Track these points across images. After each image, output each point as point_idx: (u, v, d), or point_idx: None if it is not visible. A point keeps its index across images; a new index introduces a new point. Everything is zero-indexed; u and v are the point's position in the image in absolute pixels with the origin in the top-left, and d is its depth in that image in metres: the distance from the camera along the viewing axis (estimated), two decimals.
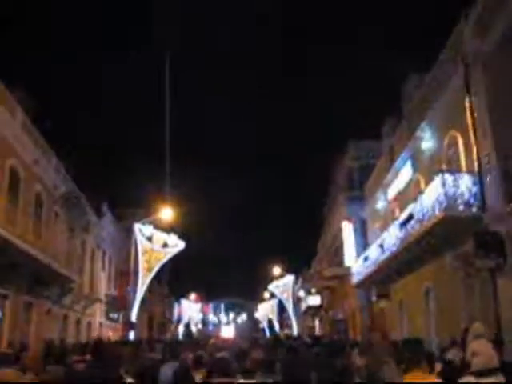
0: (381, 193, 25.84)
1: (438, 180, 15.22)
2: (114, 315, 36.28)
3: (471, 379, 5.79)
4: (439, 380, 6.31)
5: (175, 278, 76.98)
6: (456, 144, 16.47)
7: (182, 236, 33.40)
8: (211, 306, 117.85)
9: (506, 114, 13.64)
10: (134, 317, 31.23)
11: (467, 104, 15.03)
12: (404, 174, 21.85)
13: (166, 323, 73.23)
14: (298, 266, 62.34)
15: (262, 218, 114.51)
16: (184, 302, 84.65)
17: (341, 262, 34.23)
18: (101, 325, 33.19)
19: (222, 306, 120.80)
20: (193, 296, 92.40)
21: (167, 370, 8.13)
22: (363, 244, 30.54)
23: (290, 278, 55.56)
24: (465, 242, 14.80)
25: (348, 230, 31.81)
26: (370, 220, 29.67)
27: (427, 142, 18.86)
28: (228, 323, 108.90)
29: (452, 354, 10.35)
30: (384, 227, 23.75)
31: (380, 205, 26.27)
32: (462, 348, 9.96)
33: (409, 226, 18.22)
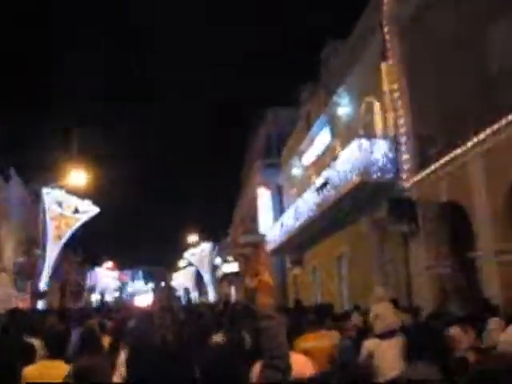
0: (297, 159, 25.72)
1: (354, 145, 15.13)
2: (23, 284, 34.82)
3: (375, 341, 6.16)
4: (328, 342, 6.72)
5: (90, 246, 75.18)
6: (372, 110, 16.43)
7: (95, 201, 32.23)
8: (129, 274, 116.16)
9: (421, 80, 13.63)
10: (42, 286, 30.01)
11: (383, 69, 14.96)
12: (321, 140, 21.74)
13: (80, 292, 71.44)
14: (215, 234, 62.13)
15: (179, 185, 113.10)
16: (98, 269, 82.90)
17: (257, 230, 34.16)
18: (9, 295, 31.67)
19: (140, 274, 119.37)
20: (109, 264, 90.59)
21: (74, 336, 7.88)
22: (279, 211, 30.52)
23: (206, 246, 55.25)
24: (380, 208, 14.84)
25: (264, 197, 31.69)
26: (286, 186, 29.62)
27: (344, 107, 18.76)
28: (146, 291, 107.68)
29: (354, 319, 10.44)
30: (300, 194, 23.70)
31: (296, 171, 26.17)
32: None
33: (324, 192, 18.15)
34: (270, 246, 28.37)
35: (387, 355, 5.86)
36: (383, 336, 6.07)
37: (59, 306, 37.89)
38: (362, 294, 16.34)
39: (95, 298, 77.40)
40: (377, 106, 16.03)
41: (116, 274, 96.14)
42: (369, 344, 6.22)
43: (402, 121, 14.42)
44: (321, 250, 22.08)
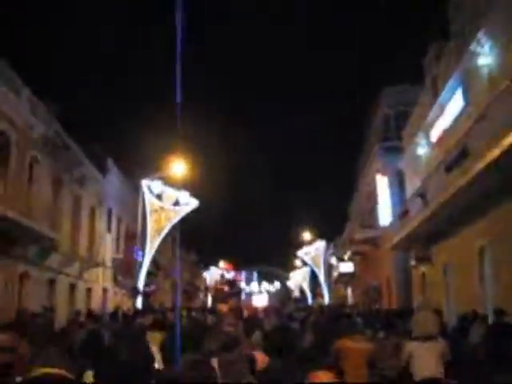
0: (422, 136, 21.56)
1: (505, 93, 11.02)
2: (125, 281, 33.10)
3: (416, 343, 7.14)
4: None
5: (204, 246, 74.00)
6: None
7: (197, 195, 29.64)
8: (243, 274, 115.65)
9: None
10: (141, 283, 27.84)
11: None
12: (452, 107, 17.53)
13: (193, 291, 70.64)
14: (330, 231, 58.52)
15: (293, 181, 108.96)
16: (213, 269, 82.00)
17: (375, 224, 30.22)
18: (105, 291, 29.89)
19: (255, 274, 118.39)
20: (222, 264, 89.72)
21: None
22: (400, 201, 26.43)
23: (321, 244, 51.45)
24: None
25: (383, 185, 27.61)
26: (408, 171, 25.40)
27: (486, 56, 14.52)
28: (260, 292, 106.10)
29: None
30: (426, 177, 19.58)
31: (421, 151, 21.97)
32: None
33: (461, 167, 14.04)
34: (390, 241, 24.33)
35: (424, 356, 6.88)
36: (420, 339, 7.04)
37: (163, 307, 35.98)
38: None
39: (210, 298, 76.68)
40: None
41: (231, 274, 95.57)
42: (410, 345, 7.15)
43: None
44: (455, 243, 17.82)
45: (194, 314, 20.50)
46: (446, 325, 12.24)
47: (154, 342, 7.68)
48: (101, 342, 8.40)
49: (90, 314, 13.91)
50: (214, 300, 70.32)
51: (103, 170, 29.34)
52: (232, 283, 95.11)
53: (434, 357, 6.85)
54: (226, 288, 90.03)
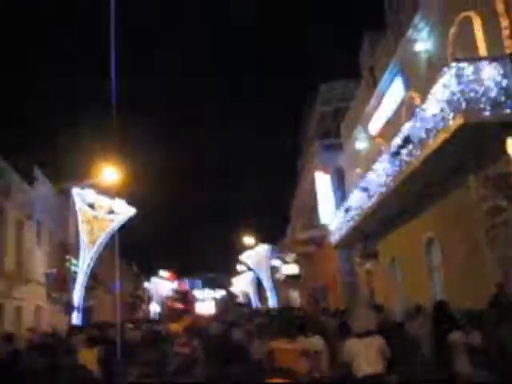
0: (361, 129, 21.03)
1: (448, 75, 10.40)
2: (60, 297, 31.31)
3: (355, 340, 7.01)
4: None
5: (144, 256, 72.13)
6: (470, 27, 11.62)
7: (135, 203, 28.24)
8: (187, 282, 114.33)
9: None
10: (76, 297, 26.31)
11: None
12: (392, 96, 17.00)
13: (136, 303, 68.86)
14: (273, 235, 57.90)
15: (232, 184, 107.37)
16: (155, 279, 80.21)
17: (317, 223, 29.62)
18: (38, 309, 28.10)
19: (200, 282, 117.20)
20: (165, 273, 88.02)
21: None
22: (342, 198, 25.91)
23: (263, 247, 50.91)
24: (497, 159, 10.10)
25: (323, 182, 27.02)
26: (348, 167, 24.87)
27: (424, 41, 14.01)
28: (204, 300, 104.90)
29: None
30: (367, 171, 18.98)
31: (361, 144, 21.44)
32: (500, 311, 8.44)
33: (404, 155, 13.41)
34: (333, 239, 23.71)
35: (364, 353, 6.80)
36: (360, 335, 6.96)
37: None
38: (468, 289, 11.75)
39: (153, 308, 75.09)
40: (477, 20, 11.25)
41: (175, 283, 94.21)
42: (349, 343, 7.08)
43: None
44: (401, 236, 17.29)
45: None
46: (390, 320, 11.55)
47: (89, 357, 8.72)
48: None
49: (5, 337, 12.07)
50: (166, 318, 69.12)
51: (30, 179, 27.60)
52: (185, 299, 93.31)
53: (373, 352, 6.78)
54: (179, 305, 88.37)
